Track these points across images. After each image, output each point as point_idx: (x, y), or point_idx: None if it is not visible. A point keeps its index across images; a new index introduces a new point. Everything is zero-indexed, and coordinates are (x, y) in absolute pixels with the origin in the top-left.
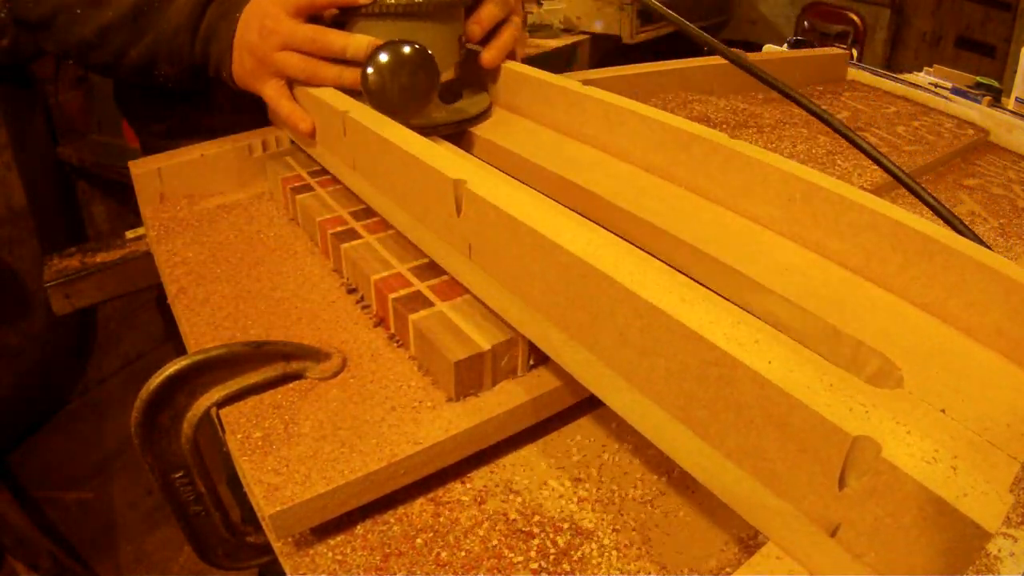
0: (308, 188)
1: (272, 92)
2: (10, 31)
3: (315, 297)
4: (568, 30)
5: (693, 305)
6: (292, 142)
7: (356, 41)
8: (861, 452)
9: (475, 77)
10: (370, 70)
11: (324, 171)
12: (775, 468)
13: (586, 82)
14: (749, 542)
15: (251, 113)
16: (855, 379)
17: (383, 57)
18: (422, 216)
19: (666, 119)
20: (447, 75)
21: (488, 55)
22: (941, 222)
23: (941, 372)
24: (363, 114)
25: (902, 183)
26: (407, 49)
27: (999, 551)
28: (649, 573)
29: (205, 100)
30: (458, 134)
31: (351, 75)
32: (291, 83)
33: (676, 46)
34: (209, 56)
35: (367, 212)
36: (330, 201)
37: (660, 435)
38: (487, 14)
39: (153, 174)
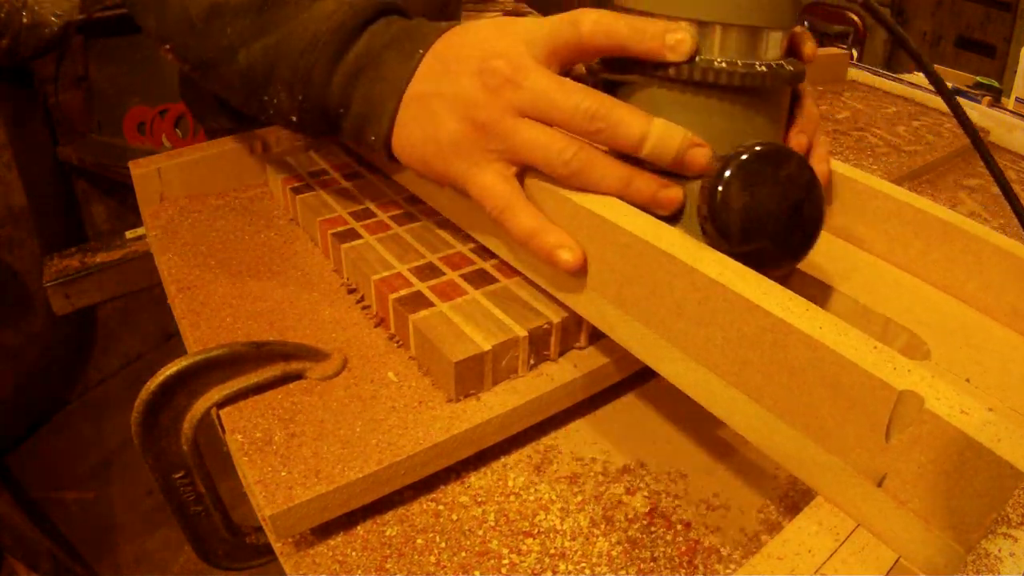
0: (308, 188)
1: (499, 185)
2: (10, 31)
3: (315, 297)
4: None
5: (747, 279)
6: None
7: (665, 129)
8: (906, 405)
9: None
10: (724, 186)
11: (324, 171)
12: (825, 425)
13: None
14: (788, 500)
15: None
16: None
17: (752, 163)
18: (474, 204)
19: None
20: None
21: (819, 168)
22: (988, 188)
23: (963, 347)
24: None
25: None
26: (790, 157)
27: (999, 551)
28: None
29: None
30: None
31: (647, 184)
32: (522, 174)
33: None
34: (351, 100)
35: (367, 212)
36: (330, 201)
37: (714, 400)
38: (812, 111)
39: (153, 174)
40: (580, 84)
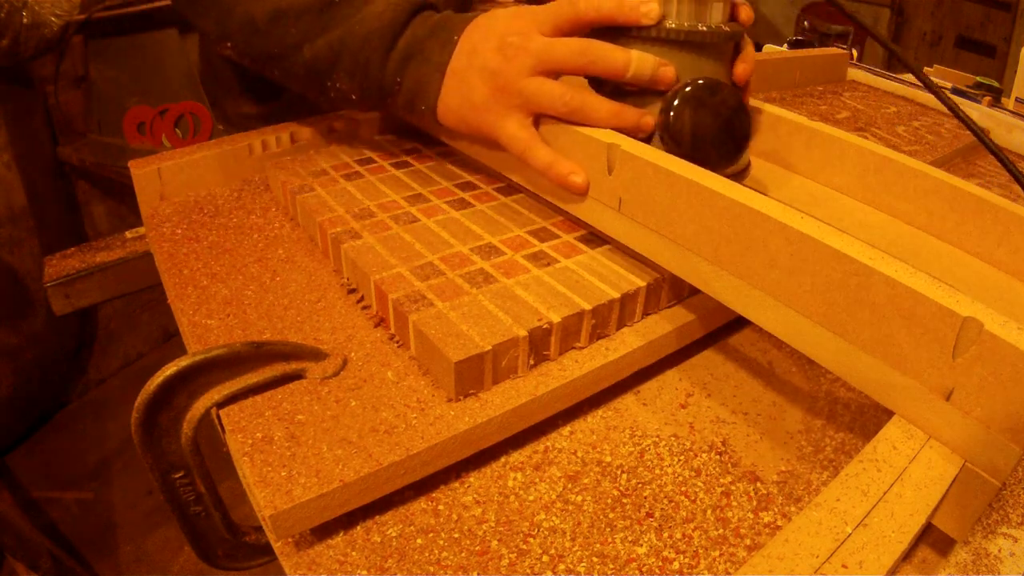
0: (308, 188)
1: (520, 131)
2: (10, 31)
3: (315, 297)
4: None
5: (830, 233)
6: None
7: (641, 58)
8: (968, 329)
9: None
10: (675, 110)
11: (324, 171)
12: (901, 351)
13: None
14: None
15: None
16: None
17: (694, 92)
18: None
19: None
20: None
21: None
22: (988, 187)
23: (996, 302)
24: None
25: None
26: (722, 87)
27: (999, 551)
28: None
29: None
30: None
31: (633, 112)
32: (538, 122)
33: None
34: (403, 79)
35: (367, 212)
36: (330, 201)
37: (803, 339)
38: (751, 52)
39: (153, 174)
40: (572, 37)
